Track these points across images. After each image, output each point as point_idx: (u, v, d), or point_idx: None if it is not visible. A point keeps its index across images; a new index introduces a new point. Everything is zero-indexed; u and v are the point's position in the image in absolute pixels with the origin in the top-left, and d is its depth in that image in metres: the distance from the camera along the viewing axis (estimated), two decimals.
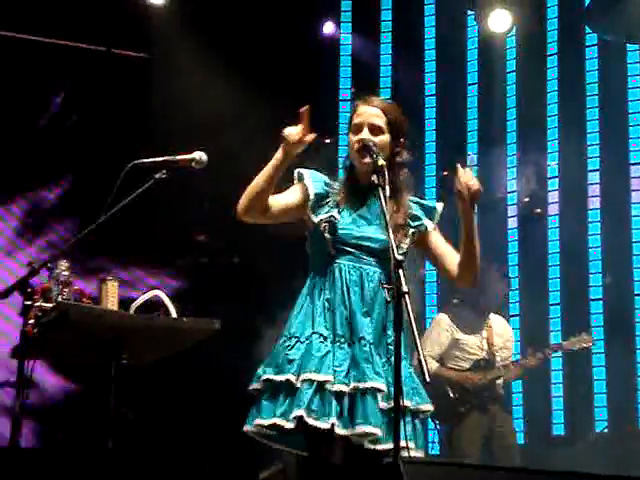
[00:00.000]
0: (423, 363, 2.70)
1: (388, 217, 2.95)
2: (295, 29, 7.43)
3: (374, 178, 3.07)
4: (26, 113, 6.91)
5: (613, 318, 6.87)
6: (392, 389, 2.90)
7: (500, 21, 7.15)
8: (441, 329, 5.97)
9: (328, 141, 6.92)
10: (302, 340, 3.14)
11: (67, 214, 6.88)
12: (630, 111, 7.13)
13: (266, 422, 3.08)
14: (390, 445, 2.93)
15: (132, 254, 6.86)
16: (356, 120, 3.30)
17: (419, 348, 2.70)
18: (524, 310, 7.17)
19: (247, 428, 3.14)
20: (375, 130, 3.26)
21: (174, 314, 3.69)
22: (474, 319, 5.98)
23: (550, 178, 7.25)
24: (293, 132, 3.17)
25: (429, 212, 3.35)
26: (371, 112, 3.28)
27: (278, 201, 3.25)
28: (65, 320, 3.43)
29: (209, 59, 7.04)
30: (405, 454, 2.95)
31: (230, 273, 7.12)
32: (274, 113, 6.55)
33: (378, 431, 3.01)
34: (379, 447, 3.04)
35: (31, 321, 3.44)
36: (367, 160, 3.19)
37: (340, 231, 3.23)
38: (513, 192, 7.38)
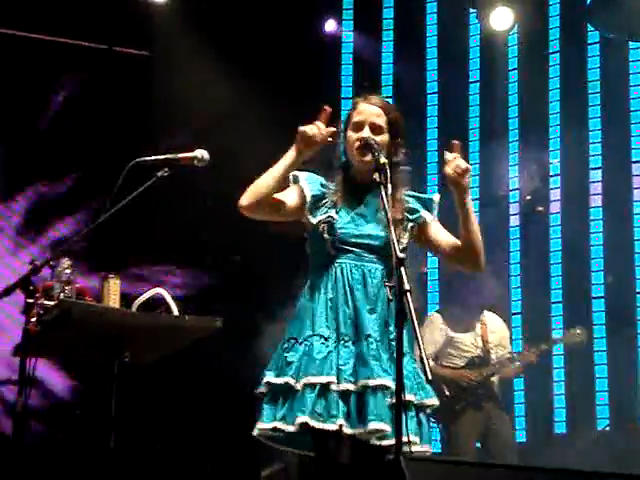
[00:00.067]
0: (425, 362, 2.70)
1: (389, 214, 2.93)
2: (297, 27, 7.41)
3: (376, 176, 3.04)
4: (28, 111, 6.91)
5: (615, 316, 6.86)
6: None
7: (502, 19, 7.14)
8: (435, 328, 5.98)
9: (331, 139, 6.89)
10: (300, 341, 3.13)
11: (69, 212, 6.89)
12: (632, 109, 7.10)
13: (267, 426, 3.08)
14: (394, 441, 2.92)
15: (132, 253, 6.85)
16: (356, 118, 3.27)
17: (421, 348, 2.69)
18: (526, 308, 7.16)
19: (254, 432, 3.13)
20: (376, 129, 3.24)
21: (176, 312, 3.69)
22: (468, 317, 5.97)
23: (552, 176, 7.23)
24: (311, 131, 3.13)
25: (426, 204, 3.33)
26: (372, 111, 3.27)
27: (280, 200, 3.23)
28: (67, 318, 3.43)
29: (210, 57, 7.04)
30: (407, 449, 2.93)
31: (231, 271, 7.11)
32: (275, 110, 6.60)
33: (388, 427, 2.99)
34: (384, 443, 3.02)
35: (33, 319, 3.44)
36: (368, 158, 3.17)
37: (339, 231, 3.21)
38: (515, 190, 7.36)
